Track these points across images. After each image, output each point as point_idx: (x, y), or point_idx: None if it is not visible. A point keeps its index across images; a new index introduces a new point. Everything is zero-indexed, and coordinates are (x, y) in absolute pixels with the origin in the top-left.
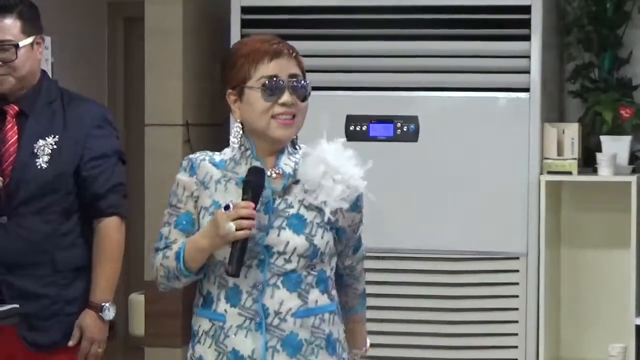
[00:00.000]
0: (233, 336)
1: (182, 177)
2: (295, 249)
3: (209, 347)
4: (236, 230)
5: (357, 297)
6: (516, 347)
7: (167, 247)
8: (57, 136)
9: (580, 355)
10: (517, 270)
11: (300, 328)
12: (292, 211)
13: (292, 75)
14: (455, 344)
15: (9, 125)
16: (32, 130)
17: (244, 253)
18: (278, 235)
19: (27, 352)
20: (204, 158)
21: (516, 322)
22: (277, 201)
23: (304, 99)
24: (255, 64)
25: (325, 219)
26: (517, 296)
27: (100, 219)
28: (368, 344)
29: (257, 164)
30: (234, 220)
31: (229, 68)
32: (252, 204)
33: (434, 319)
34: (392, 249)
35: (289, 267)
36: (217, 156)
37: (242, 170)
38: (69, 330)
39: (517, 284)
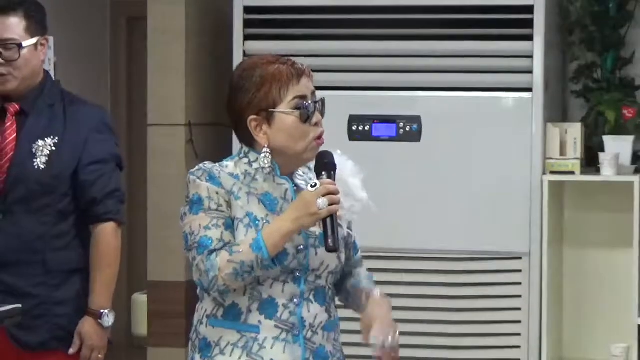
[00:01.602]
0: (269, 348)
1: (208, 184)
2: (327, 266)
3: (239, 358)
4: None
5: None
6: (519, 347)
7: (225, 246)
8: (56, 138)
9: (582, 355)
10: (520, 270)
11: (326, 341)
12: (316, 230)
13: (312, 93)
14: (458, 344)
15: (8, 124)
16: (31, 130)
17: (337, 226)
18: (316, 254)
19: (16, 352)
20: (219, 169)
21: (519, 322)
22: None
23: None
24: (287, 87)
25: (345, 234)
26: (519, 296)
27: (97, 224)
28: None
29: (282, 182)
30: (323, 196)
31: (252, 93)
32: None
33: (436, 318)
34: (394, 249)
35: (321, 283)
36: (225, 169)
37: (261, 187)
38: (58, 332)
39: (519, 284)
